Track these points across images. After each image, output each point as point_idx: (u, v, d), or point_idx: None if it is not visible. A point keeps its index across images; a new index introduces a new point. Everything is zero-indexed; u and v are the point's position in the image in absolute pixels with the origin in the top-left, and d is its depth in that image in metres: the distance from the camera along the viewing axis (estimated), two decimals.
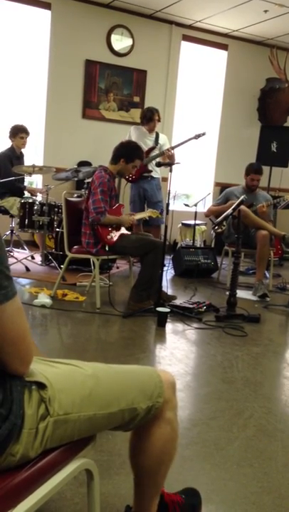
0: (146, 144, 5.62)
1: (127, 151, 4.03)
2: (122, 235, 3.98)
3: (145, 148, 5.57)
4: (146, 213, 4.43)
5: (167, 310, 3.71)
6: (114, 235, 3.94)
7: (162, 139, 5.72)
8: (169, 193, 4.03)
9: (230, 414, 2.36)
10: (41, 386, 1.09)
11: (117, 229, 3.99)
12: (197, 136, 5.47)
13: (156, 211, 4.41)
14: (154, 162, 5.42)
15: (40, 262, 5.30)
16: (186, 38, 7.10)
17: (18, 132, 5.41)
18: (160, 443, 1.29)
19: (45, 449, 1.09)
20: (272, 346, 3.48)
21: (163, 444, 1.30)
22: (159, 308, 3.69)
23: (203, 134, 5.46)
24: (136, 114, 6.64)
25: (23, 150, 5.59)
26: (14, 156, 5.42)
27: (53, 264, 5.13)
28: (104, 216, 3.87)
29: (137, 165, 4.13)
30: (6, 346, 0.99)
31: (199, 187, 7.58)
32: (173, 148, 5.55)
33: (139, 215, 4.36)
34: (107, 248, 3.91)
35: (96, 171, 4.06)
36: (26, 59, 6.28)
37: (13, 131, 5.43)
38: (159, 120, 5.69)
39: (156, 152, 5.58)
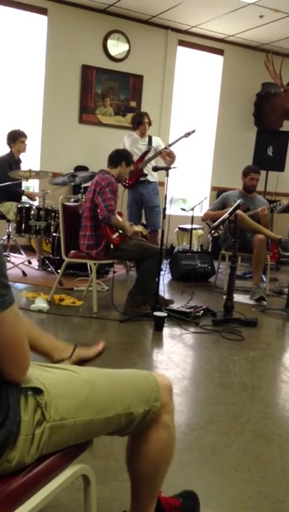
0: (139, 149, 5.62)
1: (125, 155, 4.16)
2: (121, 239, 3.98)
3: (139, 153, 5.58)
4: (139, 228, 4.54)
5: (164, 314, 3.71)
6: (117, 236, 3.96)
7: (155, 141, 5.72)
8: (166, 197, 4.03)
9: (227, 419, 2.36)
10: (37, 391, 1.09)
11: (119, 233, 3.99)
12: (187, 135, 5.50)
13: (145, 229, 4.65)
14: (150, 166, 5.42)
15: (37, 267, 5.29)
16: (182, 43, 7.12)
17: (18, 137, 5.41)
18: (157, 447, 1.29)
19: (41, 455, 1.09)
20: (270, 350, 3.48)
21: (160, 448, 1.30)
22: (156, 313, 3.69)
23: (193, 132, 5.49)
24: None
25: (22, 154, 5.59)
26: (13, 162, 5.43)
27: (49, 269, 5.13)
28: (114, 215, 3.90)
29: (132, 169, 4.29)
30: (4, 353, 0.99)
31: (196, 191, 7.60)
32: (169, 145, 5.55)
33: (137, 228, 4.44)
34: (112, 246, 3.92)
35: (97, 174, 4.11)
36: (23, 64, 6.29)
37: (13, 137, 5.42)
38: (149, 123, 5.69)
39: (151, 154, 5.58)
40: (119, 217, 3.98)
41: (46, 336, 1.41)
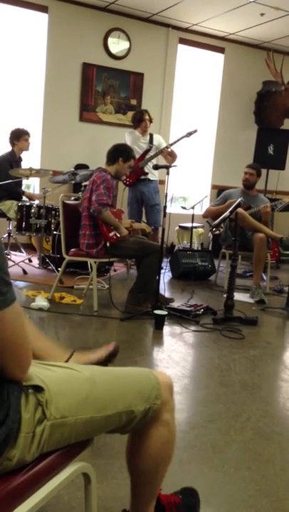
0: (140, 147, 5.61)
1: (123, 151, 4.13)
2: (119, 238, 3.98)
3: (140, 152, 5.57)
4: (142, 225, 4.54)
5: (165, 313, 3.71)
6: (114, 235, 3.95)
7: (156, 139, 5.71)
8: (166, 195, 4.03)
9: (227, 417, 2.36)
10: (38, 389, 1.09)
11: (117, 232, 3.98)
12: (189, 134, 5.49)
13: (149, 226, 4.63)
14: (150, 164, 5.42)
15: (37, 265, 5.29)
16: (182, 41, 7.11)
17: (22, 135, 5.42)
18: (157, 445, 1.29)
19: (42, 453, 1.09)
20: (270, 349, 3.48)
21: (160, 446, 1.30)
22: (157, 311, 3.69)
23: (195, 132, 5.48)
24: None
25: (24, 152, 5.57)
26: (14, 161, 5.42)
27: (50, 267, 5.13)
28: (106, 209, 3.88)
29: (131, 164, 4.23)
30: (6, 351, 0.99)
31: (196, 189, 7.59)
32: (171, 145, 5.54)
33: (140, 225, 4.44)
34: (108, 244, 3.92)
35: (95, 172, 4.10)
36: (23, 62, 6.28)
37: (16, 135, 5.41)
38: (150, 120, 5.68)
39: (152, 153, 5.57)
40: (111, 214, 3.93)
41: (42, 338, 1.37)
